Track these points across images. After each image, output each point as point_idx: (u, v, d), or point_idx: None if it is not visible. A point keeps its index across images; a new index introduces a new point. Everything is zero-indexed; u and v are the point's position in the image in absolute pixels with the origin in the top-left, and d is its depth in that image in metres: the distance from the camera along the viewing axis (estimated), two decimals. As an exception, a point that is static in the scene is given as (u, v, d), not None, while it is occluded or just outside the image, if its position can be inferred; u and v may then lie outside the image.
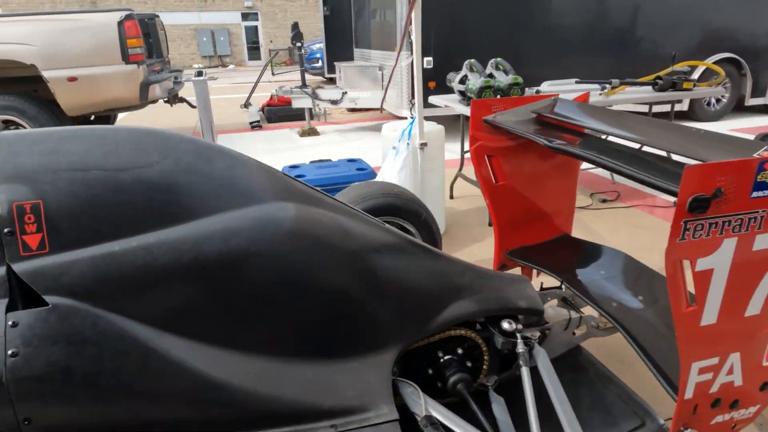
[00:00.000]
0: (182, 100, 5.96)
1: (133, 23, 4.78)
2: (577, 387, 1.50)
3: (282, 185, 1.21)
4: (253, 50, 23.93)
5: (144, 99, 4.97)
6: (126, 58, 4.73)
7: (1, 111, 4.52)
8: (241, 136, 6.49)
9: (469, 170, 3.75)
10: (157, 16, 5.92)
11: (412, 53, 5.25)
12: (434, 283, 1.34)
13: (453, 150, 5.24)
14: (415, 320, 1.28)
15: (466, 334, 1.40)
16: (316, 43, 12.28)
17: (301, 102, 6.39)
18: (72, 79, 4.58)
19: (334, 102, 6.29)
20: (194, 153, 1.17)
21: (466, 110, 3.18)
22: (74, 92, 4.63)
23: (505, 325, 1.40)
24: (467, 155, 3.61)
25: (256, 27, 23.63)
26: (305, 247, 1.13)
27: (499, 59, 3.33)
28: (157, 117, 8.19)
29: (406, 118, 4.17)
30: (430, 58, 5.40)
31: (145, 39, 5.06)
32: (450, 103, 3.40)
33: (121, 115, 8.01)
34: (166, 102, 5.75)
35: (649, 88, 3.67)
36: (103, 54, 4.67)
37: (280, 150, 5.72)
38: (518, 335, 1.39)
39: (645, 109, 4.43)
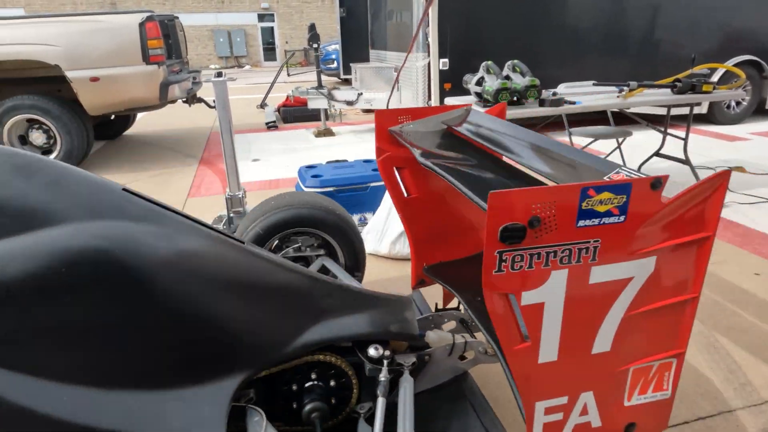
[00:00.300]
0: (200, 100, 6.04)
1: (153, 24, 4.86)
2: (448, 418, 1.43)
3: (112, 201, 1.13)
4: (269, 51, 24.12)
5: (163, 99, 5.06)
6: (146, 59, 4.82)
7: (26, 110, 4.63)
8: (257, 136, 6.55)
9: (485, 172, 3.75)
10: (177, 18, 6.01)
11: (428, 54, 5.26)
12: (293, 306, 1.25)
13: (468, 151, 5.23)
14: (265, 345, 1.19)
15: (326, 359, 1.31)
16: (331, 44, 12.35)
17: (316, 103, 6.43)
18: (94, 79, 4.67)
19: (349, 103, 6.32)
20: (10, 165, 1.09)
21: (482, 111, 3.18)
22: (96, 92, 4.73)
23: (371, 351, 1.31)
24: (483, 157, 3.62)
25: (272, 28, 23.80)
26: (127, 267, 1.04)
27: (515, 61, 3.33)
28: (175, 117, 8.30)
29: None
30: (446, 60, 5.40)
31: (164, 40, 5.15)
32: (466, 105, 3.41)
33: (140, 115, 8.15)
34: (184, 102, 5.83)
35: (668, 90, 3.64)
36: (125, 55, 4.76)
37: (296, 150, 5.76)
38: (384, 362, 1.30)
39: (663, 111, 4.39)
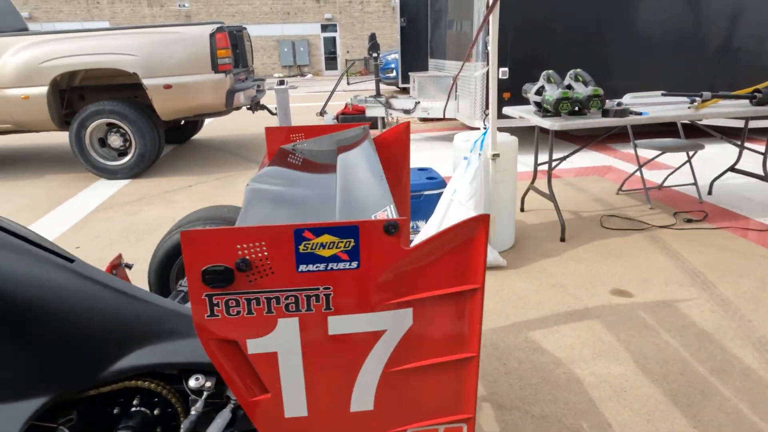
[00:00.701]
0: (263, 107, 6.27)
1: (223, 35, 5.11)
2: None
3: None
4: (330, 60, 24.70)
5: (229, 106, 5.29)
6: (215, 68, 5.07)
7: (106, 115, 4.98)
8: (315, 143, 6.71)
9: (542, 183, 3.66)
10: (245, 29, 6.29)
11: (487, 63, 5.21)
12: (113, 328, 1.17)
13: (526, 162, 5.12)
14: (75, 367, 1.13)
15: (146, 386, 1.24)
16: (391, 53, 12.48)
17: (374, 111, 6.52)
18: (167, 86, 4.97)
19: (406, 111, 6.36)
20: None
21: (542, 122, 3.11)
22: (169, 99, 5.02)
23: (192, 381, 1.23)
24: (541, 167, 3.53)
25: (334, 38, 24.38)
26: None
27: (578, 70, 3.23)
28: (239, 123, 8.66)
29: (478, 128, 4.14)
30: (506, 69, 5.33)
31: (232, 50, 5.39)
32: (525, 115, 3.34)
33: (207, 121, 8.56)
34: (248, 109, 6.08)
35: (746, 102, 3.41)
36: (195, 64, 5.03)
37: (352, 157, 5.86)
38: (204, 393, 1.22)
39: (739, 124, 4.11)
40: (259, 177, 1.31)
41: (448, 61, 6.67)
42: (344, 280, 0.89)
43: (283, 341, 0.93)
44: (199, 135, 7.57)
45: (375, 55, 6.88)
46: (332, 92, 9.08)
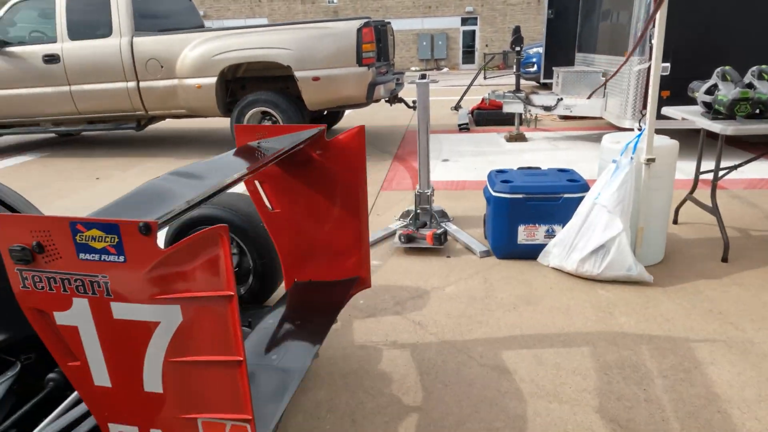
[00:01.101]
0: (400, 100, 6.41)
1: (369, 30, 5.31)
2: None
3: None
4: (468, 54, 24.41)
5: (370, 98, 5.50)
6: (359, 61, 5.29)
7: (262, 104, 5.48)
8: (448, 137, 6.70)
9: (703, 194, 3.25)
10: (389, 23, 6.46)
11: (648, 58, 4.73)
12: None
13: (683, 169, 4.58)
14: None
15: None
16: (532, 47, 11.95)
17: (512, 107, 6.30)
18: (316, 78, 5.31)
19: (547, 108, 6.05)
20: None
21: (711, 125, 2.75)
22: (316, 90, 5.36)
23: None
24: (704, 176, 3.13)
25: (473, 31, 24.03)
26: None
27: (764, 66, 2.79)
28: (375, 114, 8.97)
29: (628, 129, 3.78)
30: (668, 64, 4.80)
31: (376, 44, 5.58)
32: (689, 116, 2.98)
33: (347, 111, 8.98)
34: (386, 101, 6.25)
35: None
36: (342, 57, 5.30)
37: (485, 153, 5.74)
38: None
39: None
40: (171, 172, 1.36)
41: (597, 55, 6.19)
42: (117, 272, 0.98)
43: (80, 318, 1.04)
44: (339, 125, 7.99)
45: (518, 48, 6.64)
46: (469, 86, 8.96)
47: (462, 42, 24.24)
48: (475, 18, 23.71)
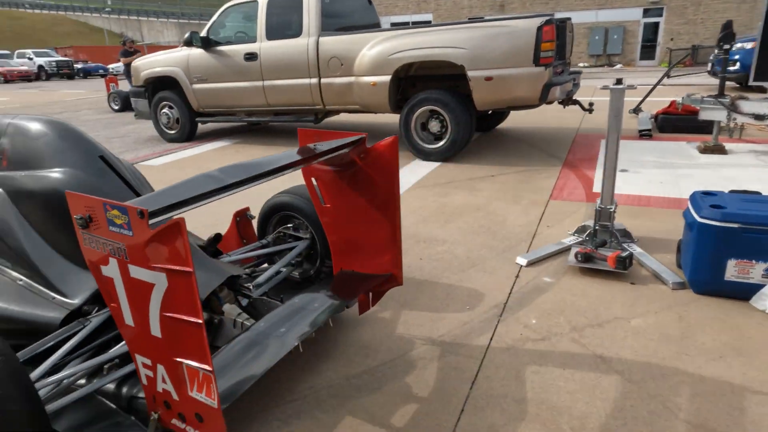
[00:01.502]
0: (575, 102, 5.98)
1: (550, 28, 5.02)
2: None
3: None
4: (647, 49, 22.05)
5: (543, 100, 5.22)
6: (536, 61, 5.04)
7: (431, 103, 5.54)
8: (626, 144, 6.09)
9: None
10: (569, 19, 6.05)
11: None
12: None
13: None
14: None
15: None
16: (738, 42, 10.29)
17: (711, 114, 5.49)
18: (488, 78, 5.19)
19: (759, 117, 5.14)
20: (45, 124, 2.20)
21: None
22: (487, 90, 5.25)
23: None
24: None
25: (656, 24, 21.60)
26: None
27: None
28: (541, 115, 8.53)
29: None
30: None
31: (555, 42, 5.25)
32: None
33: (513, 113, 8.66)
34: (559, 103, 5.88)
35: None
36: (517, 56, 5.09)
37: (673, 165, 5.09)
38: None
39: None
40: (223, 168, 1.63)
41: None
42: (128, 242, 1.29)
43: (113, 273, 1.39)
44: (503, 125, 7.76)
45: (727, 47, 5.74)
46: (653, 87, 8.07)
47: (642, 36, 21.95)
48: (661, 9, 21.26)
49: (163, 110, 7.60)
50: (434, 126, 5.67)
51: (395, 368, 2.12)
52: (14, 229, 2.08)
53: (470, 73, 5.25)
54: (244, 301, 2.14)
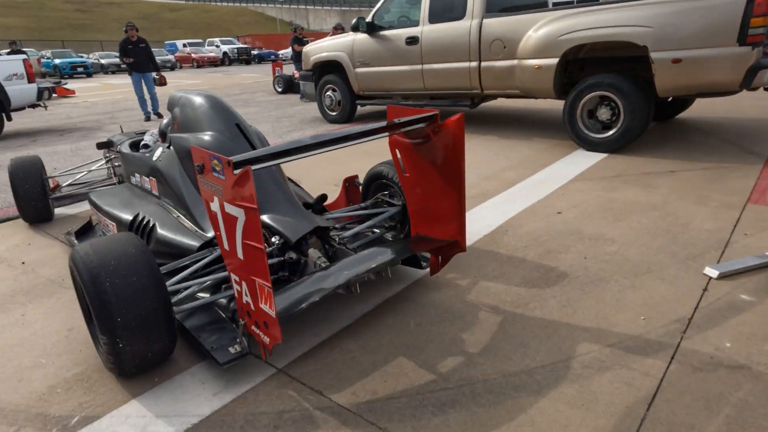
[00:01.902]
0: (787, 88, 4.98)
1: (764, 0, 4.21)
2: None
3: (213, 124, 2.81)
4: None
5: (746, 85, 4.44)
6: (742, 39, 4.28)
7: (604, 87, 5.05)
8: None
9: None
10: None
11: None
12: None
13: None
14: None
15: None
16: None
17: None
18: (676, 60, 4.55)
19: None
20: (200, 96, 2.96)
21: None
22: (674, 74, 4.61)
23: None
24: None
25: None
26: None
27: None
28: (734, 104, 7.31)
29: None
30: None
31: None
32: None
33: (699, 100, 7.60)
34: (766, 89, 4.96)
35: None
36: (716, 35, 4.38)
37: None
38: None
39: None
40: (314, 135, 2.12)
41: None
42: (222, 185, 1.71)
43: (216, 208, 1.80)
44: (685, 114, 6.82)
45: None
46: None
47: None
48: None
49: (327, 93, 8.09)
50: (604, 113, 5.17)
51: (556, 372, 1.98)
52: (176, 179, 2.80)
53: (654, 55, 4.65)
54: (331, 251, 2.55)
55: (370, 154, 5.66)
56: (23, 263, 3.34)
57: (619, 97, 4.97)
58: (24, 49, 22.21)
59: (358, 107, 8.06)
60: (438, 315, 2.42)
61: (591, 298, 2.50)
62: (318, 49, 8.05)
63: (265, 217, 2.42)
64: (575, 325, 2.28)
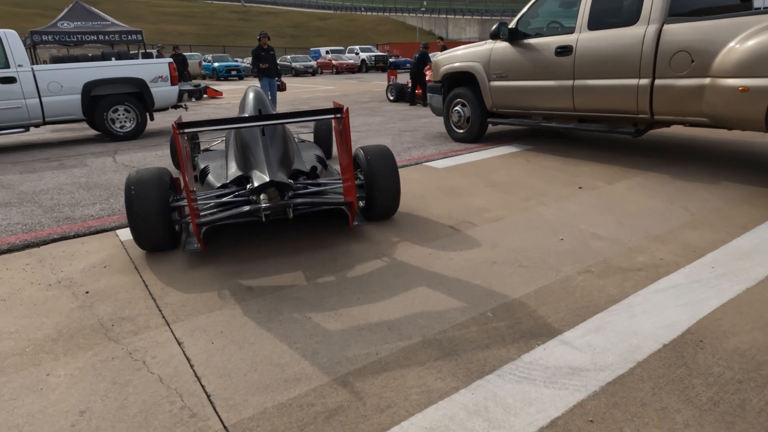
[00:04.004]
0: None
1: None
2: None
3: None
4: None
5: None
6: None
7: None
8: None
9: None
10: None
11: None
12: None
13: None
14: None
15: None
16: None
17: None
18: None
19: None
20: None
21: None
22: None
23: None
24: None
25: None
26: None
27: None
28: None
29: None
30: None
31: None
32: None
33: None
34: None
35: None
36: None
37: None
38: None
39: None
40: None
41: None
42: (175, 139, 3.01)
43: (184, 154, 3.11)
44: None
45: None
46: None
47: None
48: None
49: (455, 107, 7.21)
50: None
51: None
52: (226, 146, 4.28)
53: None
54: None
55: (495, 186, 4.66)
56: (87, 293, 2.96)
57: None
58: (185, 54, 24.49)
59: (489, 126, 7.05)
60: None
61: None
62: (450, 59, 7.19)
63: (251, 173, 3.44)
64: None
